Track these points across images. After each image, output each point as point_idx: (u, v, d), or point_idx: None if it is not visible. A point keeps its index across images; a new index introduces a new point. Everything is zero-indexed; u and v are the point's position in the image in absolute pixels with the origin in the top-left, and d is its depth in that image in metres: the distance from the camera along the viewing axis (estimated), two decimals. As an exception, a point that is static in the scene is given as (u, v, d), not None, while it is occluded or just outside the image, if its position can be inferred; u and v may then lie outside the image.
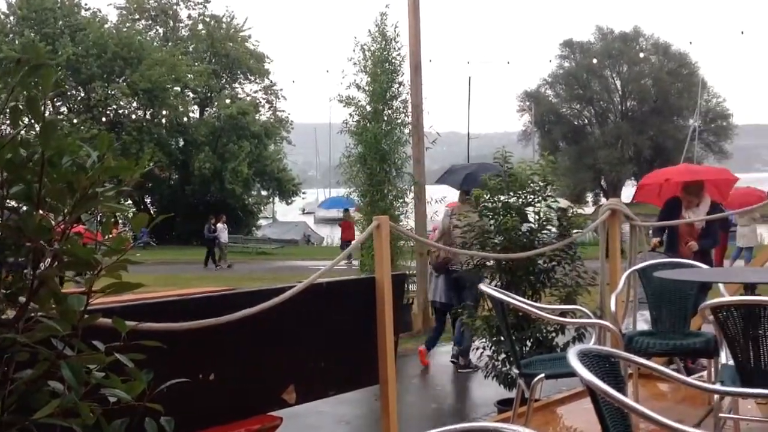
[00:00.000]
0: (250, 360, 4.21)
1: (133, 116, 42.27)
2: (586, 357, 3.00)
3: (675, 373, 3.15)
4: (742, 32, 25.91)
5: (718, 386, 4.07)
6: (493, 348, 6.49)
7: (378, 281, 4.76)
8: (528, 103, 60.00)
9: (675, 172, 8.90)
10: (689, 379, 3.19)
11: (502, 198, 6.49)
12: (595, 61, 55.57)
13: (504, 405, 6.32)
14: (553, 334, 6.44)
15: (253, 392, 4.23)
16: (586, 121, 63.05)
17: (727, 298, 4.27)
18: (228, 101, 42.89)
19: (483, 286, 4.86)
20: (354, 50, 11.98)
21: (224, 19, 45.25)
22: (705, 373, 5.96)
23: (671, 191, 8.23)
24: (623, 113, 61.10)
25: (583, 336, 6.39)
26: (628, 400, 2.65)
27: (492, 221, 6.49)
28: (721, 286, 5.71)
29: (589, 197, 58.56)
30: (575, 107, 62.65)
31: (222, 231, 28.44)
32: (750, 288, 5.25)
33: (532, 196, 6.53)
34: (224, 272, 25.95)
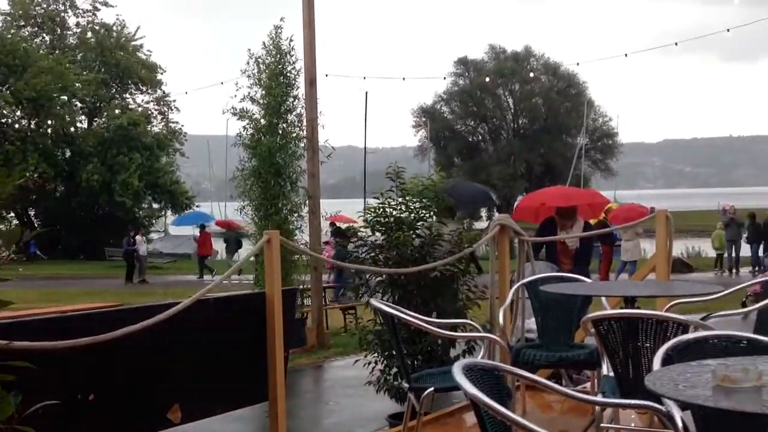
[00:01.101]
0: (133, 379, 4.08)
1: (17, 126, 40.62)
2: (471, 371, 3.04)
3: (556, 386, 3.22)
4: (626, 54, 27.11)
5: (599, 397, 4.20)
6: (385, 362, 6.50)
7: (268, 296, 4.69)
8: (424, 119, 60.77)
9: (550, 197, 9.18)
10: (570, 391, 3.28)
11: (394, 213, 6.53)
12: (487, 79, 56.80)
13: (395, 419, 6.34)
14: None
15: (135, 412, 4.10)
16: (480, 137, 64.33)
17: (607, 311, 4.41)
18: (118, 111, 41.72)
19: (373, 301, 4.87)
20: (248, 63, 11.86)
21: (115, 28, 44.06)
22: (589, 383, 6.15)
23: (547, 213, 8.46)
24: (515, 131, 62.65)
25: (473, 349, 6.49)
26: (510, 413, 2.70)
27: (384, 236, 6.52)
28: (603, 299, 5.90)
29: (483, 212, 59.74)
30: (469, 124, 63.83)
31: (141, 244, 28.05)
32: (630, 301, 5.44)
33: (423, 211, 6.60)
34: (119, 288, 25.27)
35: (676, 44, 25.83)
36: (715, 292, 5.81)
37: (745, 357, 3.20)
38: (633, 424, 5.23)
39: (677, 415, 2.96)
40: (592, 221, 10.22)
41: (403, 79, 31.64)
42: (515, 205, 9.86)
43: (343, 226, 19.54)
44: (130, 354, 3.97)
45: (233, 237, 30.87)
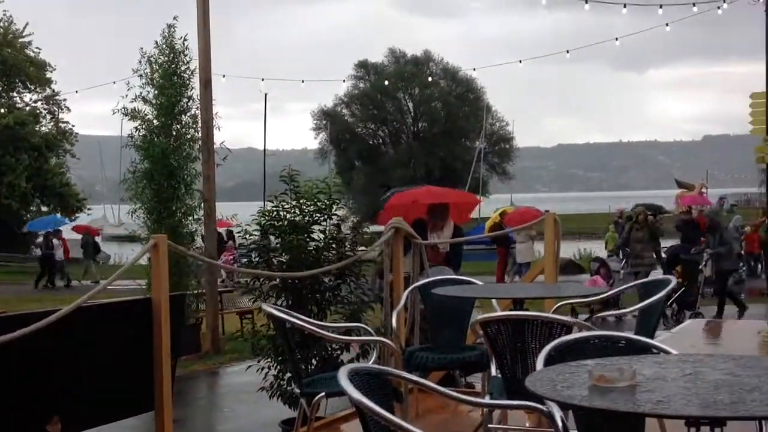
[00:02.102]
0: (9, 390, 3.90)
1: None
2: (357, 375, 3.03)
3: (442, 389, 3.25)
4: (520, 61, 27.78)
5: (486, 399, 4.26)
6: (278, 367, 6.43)
7: (154, 302, 4.57)
8: (324, 122, 60.64)
9: (421, 195, 9.15)
10: (456, 394, 3.30)
11: (287, 216, 6.48)
12: (387, 82, 57.12)
13: (288, 425, 6.28)
14: (339, 352, 6.50)
15: (12, 425, 3.91)
16: (381, 140, 64.67)
17: (495, 314, 4.48)
18: (4, 111, 39.96)
19: (265, 306, 4.80)
20: (140, 62, 11.56)
21: (1, 24, 42.16)
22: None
23: (418, 213, 8.38)
24: (415, 134, 63.24)
25: (367, 353, 6.48)
26: (394, 417, 2.70)
27: (278, 240, 6.46)
28: (494, 301, 6.00)
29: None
30: (370, 127, 64.05)
31: (58, 248, 27.06)
32: (519, 303, 5.56)
33: (318, 215, 6.57)
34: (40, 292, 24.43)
35: (567, 52, 26.59)
36: (600, 293, 6.02)
37: (622, 357, 3.29)
38: (527, 424, 5.32)
39: (557, 414, 3.03)
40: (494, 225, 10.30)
41: (302, 81, 31.50)
42: (385, 203, 9.74)
43: (223, 231, 19.39)
44: (6, 364, 3.79)
45: (91, 242, 30.26)
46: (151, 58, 11.49)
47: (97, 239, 34.13)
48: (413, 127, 63.91)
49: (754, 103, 20.32)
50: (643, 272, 14.58)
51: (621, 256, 17.70)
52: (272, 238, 6.51)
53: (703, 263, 14.84)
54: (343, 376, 2.86)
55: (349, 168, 60.36)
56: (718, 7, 21.01)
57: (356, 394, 2.73)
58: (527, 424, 5.32)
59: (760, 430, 3.08)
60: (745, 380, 2.65)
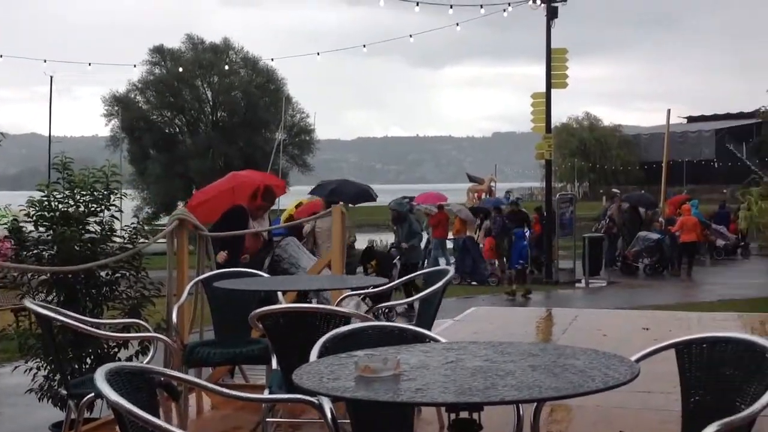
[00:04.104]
0: None
1: None
2: (117, 375, 2.87)
3: (210, 384, 3.15)
4: (318, 53, 27.88)
5: (265, 393, 4.20)
6: (48, 368, 6.03)
7: None
8: (116, 108, 57.90)
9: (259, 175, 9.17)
10: (225, 390, 3.20)
11: (60, 207, 6.08)
12: (181, 69, 55.43)
13: (59, 428, 5.91)
14: (116, 350, 6.20)
15: None
16: (178, 129, 62.82)
17: (272, 307, 4.43)
18: None
19: (28, 303, 4.46)
20: None
21: None
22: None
23: (226, 201, 8.24)
24: (214, 123, 61.99)
25: (148, 350, 6.23)
26: (152, 418, 2.57)
27: (48, 232, 6.05)
28: (279, 294, 5.94)
29: (180, 206, 58.10)
30: (166, 115, 62.01)
31: None
32: (303, 295, 5.56)
33: (94, 205, 6.22)
34: None
35: (364, 47, 27.04)
36: (383, 284, 6.13)
37: (394, 346, 3.34)
38: (311, 415, 5.32)
39: (327, 407, 3.02)
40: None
41: (90, 64, 29.88)
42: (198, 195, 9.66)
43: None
44: None
45: None
46: None
47: None
48: (212, 117, 62.66)
49: (535, 102, 21.64)
50: (413, 264, 15.11)
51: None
52: (42, 229, 6.09)
53: (397, 257, 14.92)
54: (100, 377, 2.70)
55: (143, 157, 58.24)
56: (504, 10, 22.17)
57: (113, 396, 2.58)
58: (311, 416, 5.32)
59: (517, 413, 3.24)
60: (501, 366, 2.76)
